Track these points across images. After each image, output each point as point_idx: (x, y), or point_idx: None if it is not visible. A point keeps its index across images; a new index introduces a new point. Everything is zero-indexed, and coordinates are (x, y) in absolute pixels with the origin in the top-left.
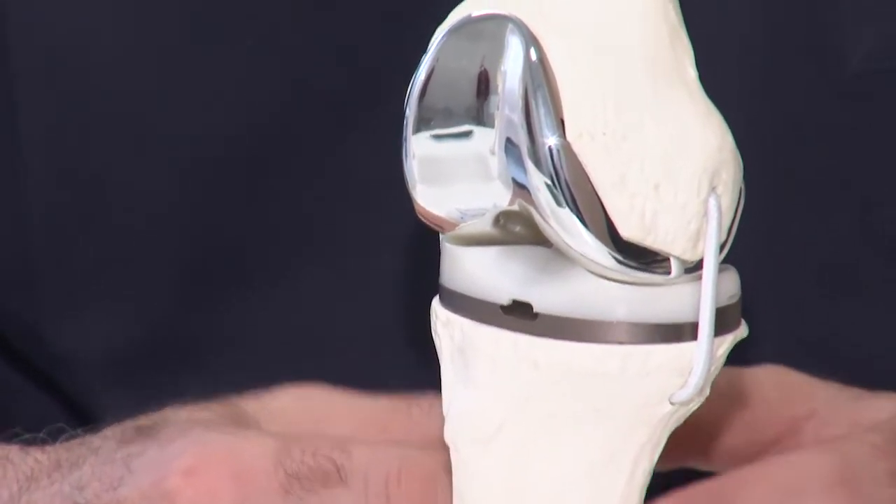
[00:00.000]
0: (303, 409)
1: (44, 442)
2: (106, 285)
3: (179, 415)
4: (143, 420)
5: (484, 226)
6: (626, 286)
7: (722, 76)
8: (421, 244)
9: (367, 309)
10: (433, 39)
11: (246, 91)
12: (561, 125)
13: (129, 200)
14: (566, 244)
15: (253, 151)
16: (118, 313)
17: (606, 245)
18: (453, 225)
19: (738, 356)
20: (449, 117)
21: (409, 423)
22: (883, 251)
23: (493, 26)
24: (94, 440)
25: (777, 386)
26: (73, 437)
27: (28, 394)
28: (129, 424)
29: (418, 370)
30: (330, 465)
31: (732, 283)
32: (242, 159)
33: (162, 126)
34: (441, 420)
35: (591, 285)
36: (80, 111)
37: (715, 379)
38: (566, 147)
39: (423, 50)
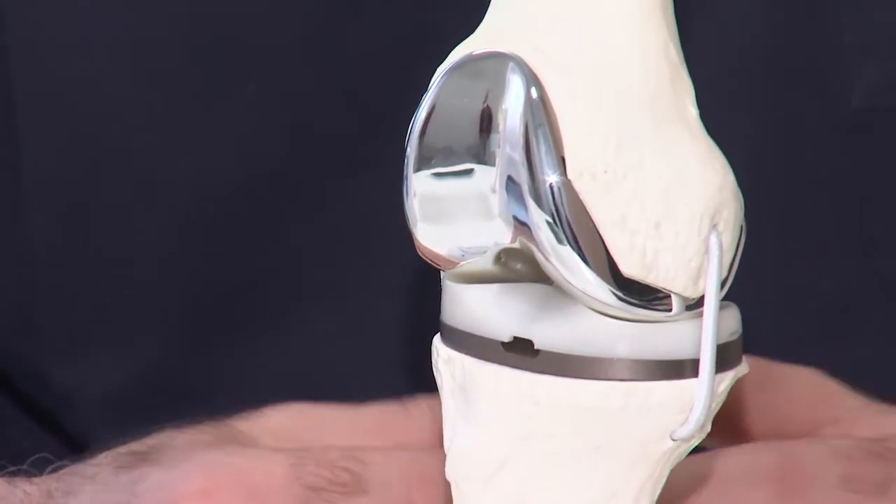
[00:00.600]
0: (298, 424)
1: (28, 474)
2: (106, 328)
3: (177, 439)
4: (137, 446)
5: (485, 263)
6: (628, 323)
7: (723, 114)
8: (419, 286)
9: (367, 351)
10: (434, 77)
11: (245, 136)
12: (562, 163)
13: (130, 244)
14: (567, 281)
15: (252, 196)
16: (118, 355)
17: (607, 282)
18: (454, 263)
19: None
20: (450, 155)
21: (410, 422)
22: (884, 291)
23: (493, 65)
24: (87, 469)
25: (807, 388)
26: (59, 467)
27: (31, 431)
28: (122, 451)
29: None
30: (347, 475)
31: (733, 320)
32: (242, 203)
33: (162, 170)
34: (440, 419)
35: (592, 322)
36: (81, 155)
37: (744, 376)
38: (567, 185)
39: (424, 94)
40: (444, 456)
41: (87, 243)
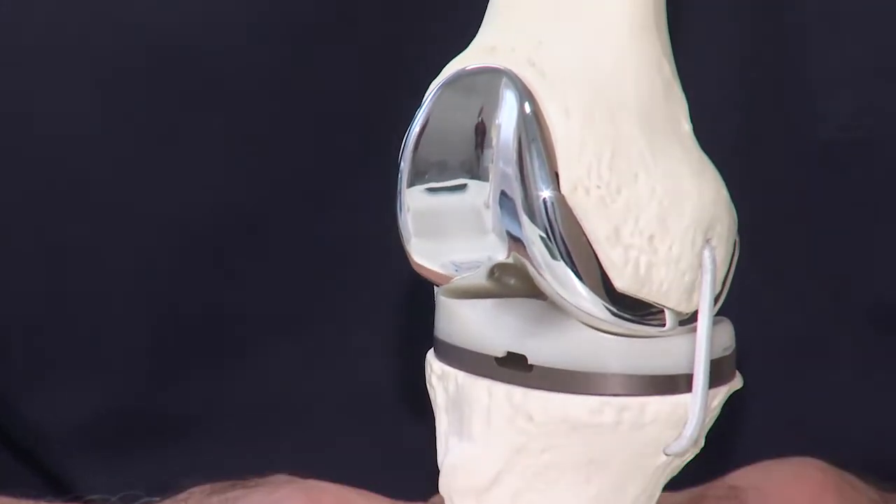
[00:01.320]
0: None
1: None
2: (73, 358)
3: (276, 476)
4: (234, 481)
5: (479, 278)
6: (621, 338)
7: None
8: (402, 307)
9: (347, 376)
10: (428, 92)
11: (216, 166)
12: (555, 178)
13: (99, 274)
14: (560, 296)
15: (223, 225)
16: (85, 386)
17: (601, 297)
18: (448, 278)
19: (717, 428)
20: (443, 170)
21: None
22: (855, 324)
23: (487, 80)
24: (178, 496)
25: None
26: (148, 503)
27: (5, 462)
28: (217, 484)
29: (401, 431)
30: None
31: (727, 335)
32: (212, 232)
33: (131, 201)
34: None
35: (586, 337)
36: (51, 185)
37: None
38: (560, 200)
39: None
40: None
41: (55, 272)
